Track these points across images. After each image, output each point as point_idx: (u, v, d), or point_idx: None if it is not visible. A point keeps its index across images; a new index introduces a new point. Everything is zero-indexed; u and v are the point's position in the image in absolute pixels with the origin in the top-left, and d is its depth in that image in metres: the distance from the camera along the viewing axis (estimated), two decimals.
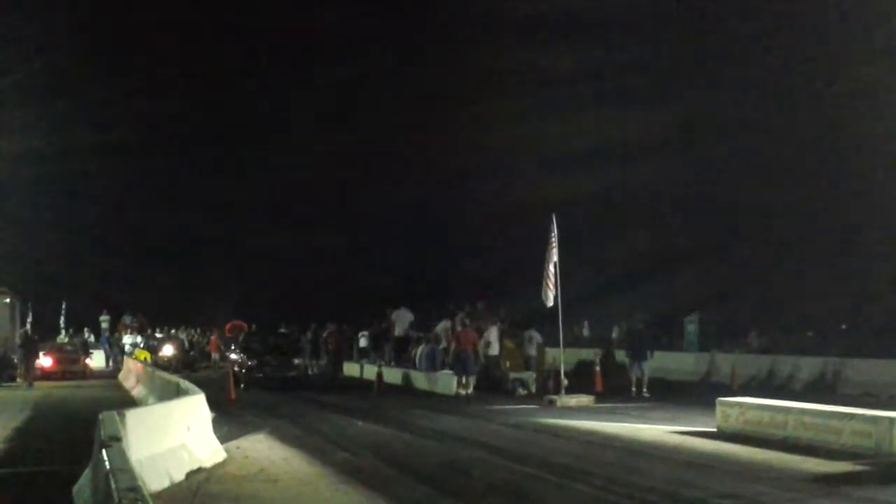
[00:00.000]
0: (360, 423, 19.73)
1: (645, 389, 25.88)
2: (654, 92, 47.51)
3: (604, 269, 45.03)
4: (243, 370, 33.09)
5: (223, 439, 15.84)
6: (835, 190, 39.97)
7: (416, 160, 60.81)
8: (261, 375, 33.49)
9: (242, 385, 30.62)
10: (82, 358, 40.22)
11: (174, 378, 21.96)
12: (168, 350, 45.20)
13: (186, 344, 50.27)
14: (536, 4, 49.82)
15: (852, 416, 15.29)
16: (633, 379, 26.20)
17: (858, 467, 13.53)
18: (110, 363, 45.35)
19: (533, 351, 29.72)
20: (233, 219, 64.62)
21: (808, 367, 27.36)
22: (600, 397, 24.70)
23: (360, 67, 61.48)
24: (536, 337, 30.19)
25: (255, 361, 34.66)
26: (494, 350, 28.74)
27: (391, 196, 63.58)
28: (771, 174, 42.90)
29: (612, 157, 47.78)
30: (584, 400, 23.84)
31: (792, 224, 41.30)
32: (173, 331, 54.67)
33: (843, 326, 35.82)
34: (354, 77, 61.91)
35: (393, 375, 32.02)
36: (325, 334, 40.52)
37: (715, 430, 17.42)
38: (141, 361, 38.09)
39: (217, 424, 16.12)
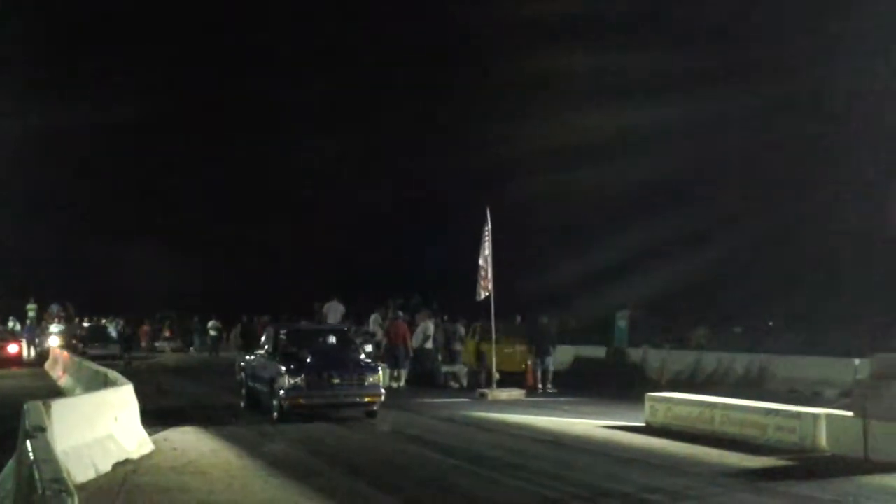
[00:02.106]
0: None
1: (549, 384, 25.98)
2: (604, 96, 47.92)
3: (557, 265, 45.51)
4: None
5: (151, 431, 15.67)
6: (769, 191, 40.62)
7: (363, 156, 60.78)
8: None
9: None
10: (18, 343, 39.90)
11: (102, 368, 21.64)
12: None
13: (115, 334, 49.49)
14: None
15: (777, 412, 15.56)
16: (539, 374, 26.26)
17: (782, 462, 13.77)
18: (31, 352, 44.51)
19: (458, 346, 29.77)
20: (167, 207, 64.01)
21: (736, 363, 27.73)
22: (531, 391, 24.86)
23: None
24: (460, 331, 30.27)
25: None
26: (430, 344, 28.74)
27: (337, 189, 63.35)
28: (721, 176, 43.56)
29: (560, 156, 48.19)
30: (516, 394, 23.97)
31: (736, 225, 41.86)
32: (103, 321, 53.94)
33: (770, 324, 36.44)
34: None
35: None
36: (256, 326, 40.13)
37: (643, 424, 17.62)
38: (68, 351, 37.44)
39: (145, 415, 15.92)
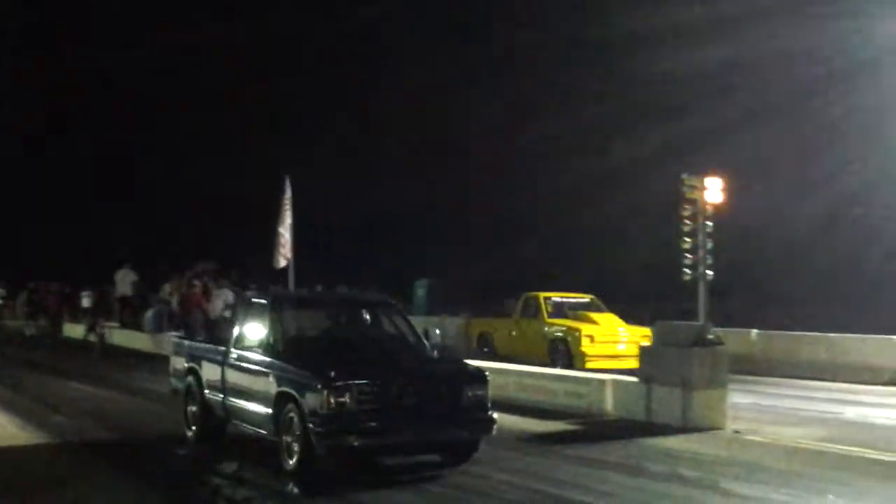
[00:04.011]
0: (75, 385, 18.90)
1: None
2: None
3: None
4: None
5: None
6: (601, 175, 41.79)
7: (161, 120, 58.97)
8: None
9: None
10: None
11: None
12: None
13: None
14: None
15: (566, 377, 16.08)
16: None
17: (571, 426, 14.25)
18: None
19: None
20: None
21: None
22: None
23: None
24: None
25: None
26: (228, 313, 28.31)
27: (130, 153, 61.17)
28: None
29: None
30: None
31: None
32: None
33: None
34: None
35: (118, 337, 31.04)
36: (45, 294, 38.64)
37: None
38: None
39: None
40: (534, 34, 45.45)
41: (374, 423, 10.00)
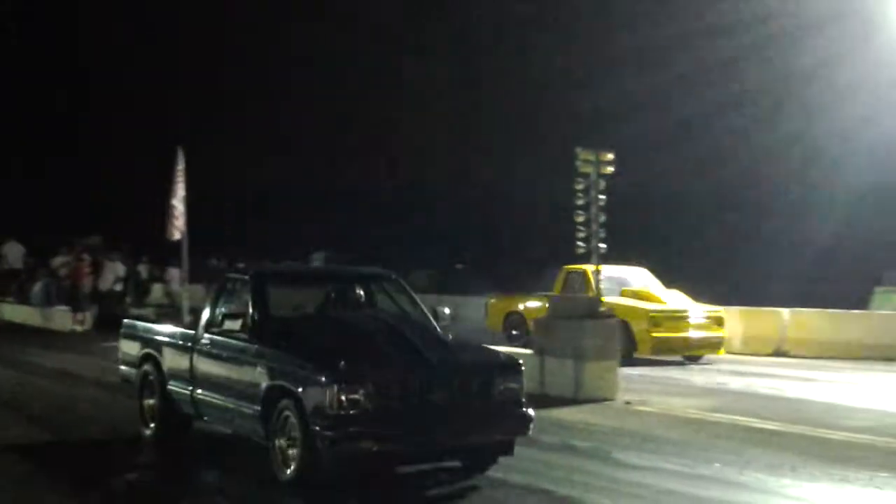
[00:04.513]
0: None
1: None
2: None
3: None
4: None
5: None
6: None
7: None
8: None
9: None
10: None
11: None
12: None
13: None
14: None
15: None
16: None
17: None
18: None
19: (176, 286, 28.99)
20: None
21: None
22: None
23: None
24: (175, 274, 29.51)
25: None
26: (120, 286, 27.95)
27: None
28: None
29: None
30: None
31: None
32: None
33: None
34: None
35: (5, 311, 30.39)
36: None
37: None
38: None
39: None
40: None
41: (394, 424, 8.23)
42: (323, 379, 8.15)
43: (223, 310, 9.90)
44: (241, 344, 9.37)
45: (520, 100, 44.23)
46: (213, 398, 9.72)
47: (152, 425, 10.91)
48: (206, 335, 9.98)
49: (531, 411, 8.96)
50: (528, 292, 22.42)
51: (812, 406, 13.87)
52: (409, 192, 45.85)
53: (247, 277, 9.97)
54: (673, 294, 20.46)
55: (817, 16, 33.24)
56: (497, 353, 10.04)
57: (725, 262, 34.12)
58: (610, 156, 17.51)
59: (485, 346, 10.54)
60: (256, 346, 9.15)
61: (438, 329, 9.98)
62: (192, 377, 10.08)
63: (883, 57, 28.35)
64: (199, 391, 9.94)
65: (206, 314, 10.20)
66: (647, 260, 22.30)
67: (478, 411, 8.71)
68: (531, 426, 8.94)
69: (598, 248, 17.14)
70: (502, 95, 44.45)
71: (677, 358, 19.83)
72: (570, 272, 20.59)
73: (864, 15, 27.98)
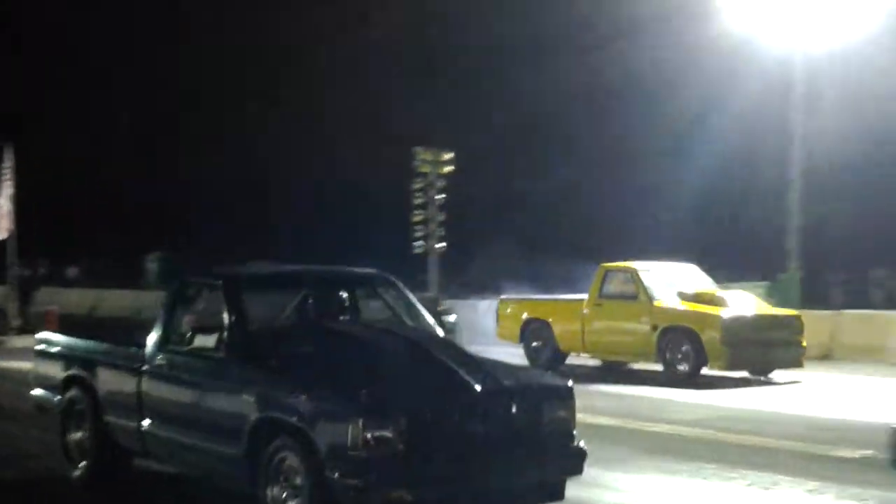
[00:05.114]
0: None
1: None
2: None
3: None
4: None
5: None
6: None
7: None
8: None
9: None
10: None
11: None
12: None
13: None
14: None
15: None
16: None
17: None
18: None
19: None
20: None
21: None
22: None
23: None
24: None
25: None
26: None
27: None
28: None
29: None
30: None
31: None
32: None
33: None
34: None
35: None
36: None
37: None
38: None
39: None
40: None
41: (432, 467, 6.53)
42: (343, 411, 6.43)
43: (187, 322, 8.05)
44: (215, 365, 7.49)
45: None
46: (171, 434, 7.78)
47: (82, 464, 8.69)
48: (162, 354, 8.02)
49: (584, 444, 7.28)
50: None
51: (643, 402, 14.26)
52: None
53: (219, 282, 8.09)
54: (739, 295, 17.40)
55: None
56: (543, 373, 8.43)
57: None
58: (448, 155, 17.67)
59: (524, 365, 8.70)
60: (239, 368, 7.28)
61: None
62: (141, 406, 8.06)
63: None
64: (150, 424, 7.97)
65: (157, 327, 8.25)
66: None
67: (527, 448, 6.94)
68: (584, 464, 7.23)
69: (436, 247, 17.28)
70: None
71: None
72: (608, 270, 17.79)
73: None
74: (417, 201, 17.64)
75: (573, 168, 38.14)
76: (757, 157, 32.77)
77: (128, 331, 8.95)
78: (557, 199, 38.57)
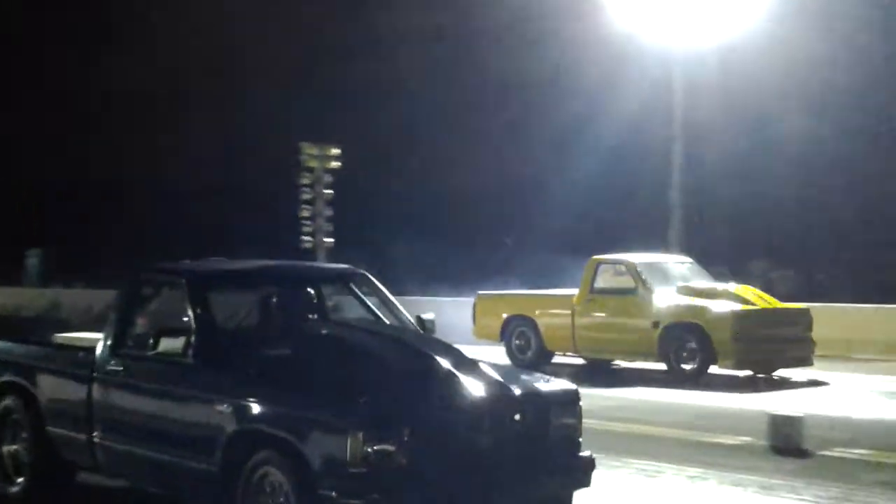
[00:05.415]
0: None
1: None
2: None
3: None
4: None
5: None
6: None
7: None
8: None
9: None
10: None
11: None
12: None
13: None
14: None
15: None
16: None
17: None
18: None
19: None
20: None
21: None
22: None
23: None
24: None
25: None
26: None
27: None
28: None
29: None
30: None
31: None
32: None
33: None
34: None
35: None
36: None
37: None
38: None
39: None
40: None
41: (437, 484, 5.99)
42: (339, 422, 5.88)
43: (145, 323, 7.50)
44: (182, 371, 6.84)
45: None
46: (130, 447, 7.14)
47: (20, 480, 7.97)
48: (117, 359, 7.36)
49: (591, 454, 6.81)
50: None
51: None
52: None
53: (181, 279, 7.42)
54: (741, 289, 16.37)
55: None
56: (547, 378, 7.43)
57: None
58: (336, 150, 17.58)
59: (523, 368, 8.47)
60: (210, 374, 6.70)
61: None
62: (91, 417, 7.40)
63: None
64: (103, 436, 7.32)
65: (109, 329, 7.57)
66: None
67: (535, 459, 6.46)
68: (592, 475, 6.79)
69: (324, 242, 17.21)
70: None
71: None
72: (600, 263, 16.73)
73: None
74: (305, 197, 17.55)
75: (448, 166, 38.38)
76: (643, 152, 33.32)
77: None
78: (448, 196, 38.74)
